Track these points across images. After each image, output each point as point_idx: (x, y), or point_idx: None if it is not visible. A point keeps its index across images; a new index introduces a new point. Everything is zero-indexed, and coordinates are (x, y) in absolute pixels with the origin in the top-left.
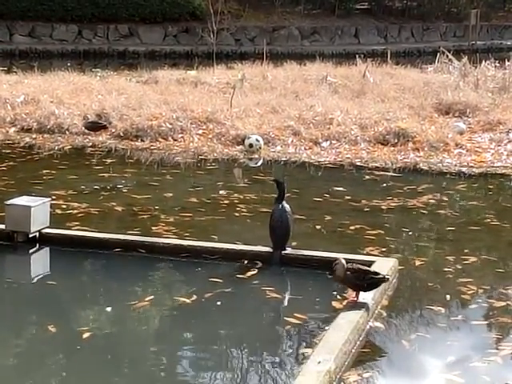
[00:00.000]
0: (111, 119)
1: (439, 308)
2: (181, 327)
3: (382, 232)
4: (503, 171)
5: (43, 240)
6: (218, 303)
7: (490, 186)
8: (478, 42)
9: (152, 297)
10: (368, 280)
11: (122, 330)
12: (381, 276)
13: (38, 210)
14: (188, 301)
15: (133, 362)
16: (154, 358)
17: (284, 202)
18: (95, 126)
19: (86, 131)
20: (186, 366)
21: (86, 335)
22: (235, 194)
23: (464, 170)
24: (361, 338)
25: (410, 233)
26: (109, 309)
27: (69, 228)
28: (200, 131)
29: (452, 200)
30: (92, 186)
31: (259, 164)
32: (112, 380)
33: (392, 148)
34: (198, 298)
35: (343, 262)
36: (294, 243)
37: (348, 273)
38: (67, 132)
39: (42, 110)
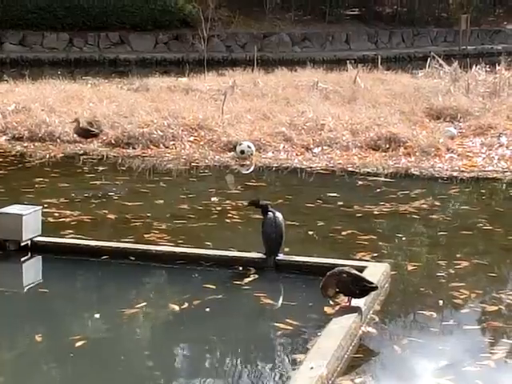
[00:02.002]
0: (102, 127)
1: (431, 313)
2: (173, 334)
3: (375, 237)
4: (494, 175)
5: (35, 248)
6: (211, 309)
7: (482, 191)
8: (469, 47)
9: (144, 304)
10: (361, 287)
11: (113, 337)
12: (374, 285)
13: (29, 219)
14: (180, 307)
15: (123, 369)
16: (143, 365)
17: (274, 210)
18: (87, 134)
19: (78, 139)
20: (177, 372)
21: (78, 343)
22: (227, 201)
23: (455, 174)
24: (353, 344)
25: (403, 238)
26: (98, 316)
27: (61, 236)
28: (191, 138)
29: (444, 205)
30: (84, 193)
31: (251, 170)
32: None
33: (383, 153)
34: (190, 304)
35: (347, 270)
36: (286, 249)
37: (344, 275)
38: (58, 140)
39: (33, 118)
